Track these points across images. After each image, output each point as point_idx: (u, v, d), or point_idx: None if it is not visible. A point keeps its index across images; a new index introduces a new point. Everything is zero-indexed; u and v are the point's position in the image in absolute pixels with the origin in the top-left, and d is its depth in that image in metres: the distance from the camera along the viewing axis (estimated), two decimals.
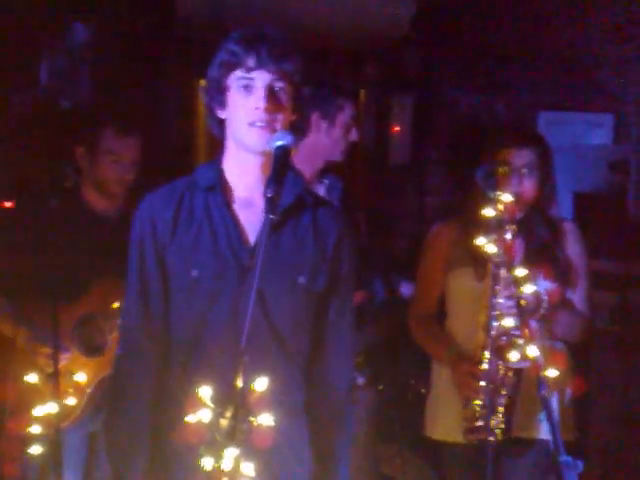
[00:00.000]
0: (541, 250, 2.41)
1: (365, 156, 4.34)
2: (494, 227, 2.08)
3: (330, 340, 1.90)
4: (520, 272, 2.03)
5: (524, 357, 1.98)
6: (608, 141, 4.24)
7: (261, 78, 1.78)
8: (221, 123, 1.87)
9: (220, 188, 1.85)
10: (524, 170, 2.40)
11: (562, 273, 2.40)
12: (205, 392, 1.48)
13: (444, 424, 2.46)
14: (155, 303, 1.85)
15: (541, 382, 1.83)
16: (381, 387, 3.20)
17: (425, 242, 2.59)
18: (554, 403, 2.34)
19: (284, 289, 1.82)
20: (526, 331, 1.96)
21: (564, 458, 1.67)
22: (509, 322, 2.13)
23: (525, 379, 2.26)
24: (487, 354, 2.21)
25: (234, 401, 1.45)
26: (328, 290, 1.88)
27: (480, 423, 2.26)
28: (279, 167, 1.68)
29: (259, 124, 1.77)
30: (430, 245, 2.56)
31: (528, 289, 2.03)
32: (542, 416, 1.93)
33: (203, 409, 1.46)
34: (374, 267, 2.85)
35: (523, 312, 2.02)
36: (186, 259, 1.82)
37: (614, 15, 4.23)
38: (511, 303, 2.15)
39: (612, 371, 3.53)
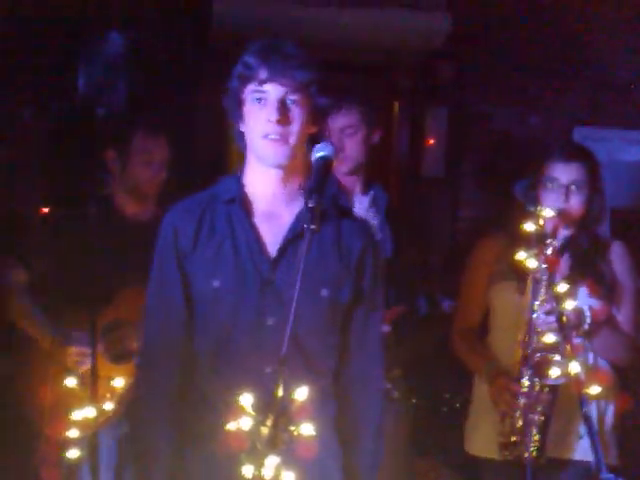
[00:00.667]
0: (587, 267, 2.39)
1: (399, 168, 4.33)
2: (535, 242, 2.07)
3: (356, 353, 1.89)
4: (562, 288, 2.01)
5: (565, 373, 1.96)
6: None
7: (273, 91, 1.78)
8: (242, 136, 1.88)
9: (241, 201, 1.86)
10: (572, 186, 2.38)
11: (607, 291, 2.38)
12: (246, 400, 1.48)
13: (483, 439, 2.44)
14: (175, 314, 1.85)
15: (583, 399, 1.81)
16: (415, 400, 3.19)
17: (470, 256, 2.57)
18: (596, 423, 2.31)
19: (307, 301, 1.78)
20: (568, 347, 1.94)
21: (606, 476, 1.65)
22: (550, 338, 2.11)
23: (561, 396, 2.24)
24: (524, 370, 2.19)
25: (275, 410, 1.45)
26: (353, 303, 1.87)
27: (514, 439, 2.24)
28: (320, 177, 1.68)
29: (272, 137, 1.78)
30: (474, 259, 2.55)
31: (569, 305, 2.01)
32: (583, 432, 1.91)
33: (244, 417, 1.46)
34: (415, 281, 2.84)
35: (564, 328, 2.00)
36: (208, 270, 1.83)
37: None
38: (550, 319, 2.13)
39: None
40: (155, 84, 3.76)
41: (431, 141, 4.23)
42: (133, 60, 3.68)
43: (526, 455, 2.21)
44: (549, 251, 2.11)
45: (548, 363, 2.17)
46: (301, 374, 1.75)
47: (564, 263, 2.31)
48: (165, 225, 1.90)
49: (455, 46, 4.13)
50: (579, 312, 2.24)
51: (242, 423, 1.46)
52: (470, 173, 4.26)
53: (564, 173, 2.38)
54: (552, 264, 2.06)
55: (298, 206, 1.86)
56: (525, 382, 2.23)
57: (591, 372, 2.12)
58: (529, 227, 2.07)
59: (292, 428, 1.46)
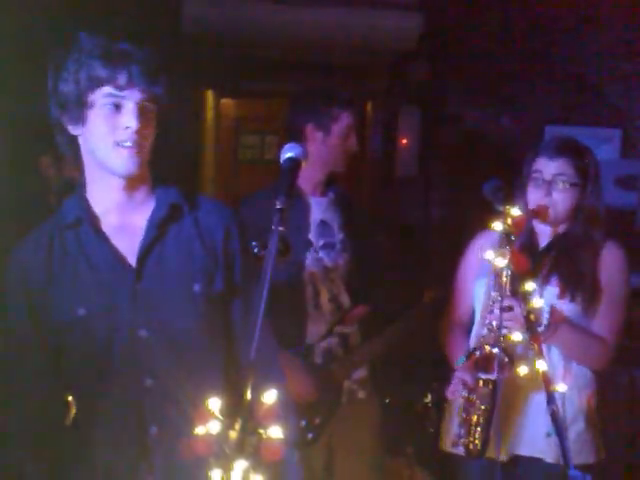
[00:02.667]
0: (567, 267, 2.33)
1: (372, 168, 4.35)
2: (503, 241, 2.08)
3: (241, 345, 1.81)
4: (529, 286, 2.01)
5: (533, 371, 1.97)
6: (615, 156, 4.24)
7: (132, 97, 1.71)
8: (73, 141, 1.78)
9: (88, 220, 1.78)
10: (557, 182, 2.32)
11: (584, 293, 2.31)
12: (214, 404, 1.47)
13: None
14: (30, 357, 1.77)
15: (550, 397, 1.82)
16: (388, 400, 3.20)
17: (463, 252, 2.56)
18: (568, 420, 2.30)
19: (180, 303, 1.76)
20: (535, 345, 1.94)
21: (573, 473, 1.67)
22: (517, 337, 2.12)
23: (508, 392, 2.23)
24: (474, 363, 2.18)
25: (242, 413, 1.45)
26: (228, 292, 1.81)
27: (461, 435, 2.23)
28: (288, 179, 1.63)
29: (128, 144, 1.71)
30: (467, 252, 2.55)
31: (537, 303, 2.02)
32: (551, 431, 1.91)
33: (212, 421, 1.45)
34: (380, 280, 2.84)
35: (532, 326, 2.00)
36: (69, 300, 1.74)
37: (622, 30, 4.24)
38: (505, 316, 2.13)
39: (621, 385, 3.51)
40: None
41: (404, 141, 4.25)
42: None
43: (471, 448, 2.21)
44: (514, 248, 2.08)
45: (489, 359, 2.16)
46: (183, 381, 1.72)
47: (547, 261, 2.29)
48: (11, 266, 1.78)
49: (428, 47, 4.15)
50: (537, 311, 2.19)
51: (210, 427, 1.45)
52: (443, 173, 4.28)
53: (547, 168, 2.33)
54: (517, 262, 2.06)
55: (148, 211, 1.80)
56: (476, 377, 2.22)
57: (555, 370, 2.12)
58: (497, 226, 2.07)
59: (260, 431, 1.45)
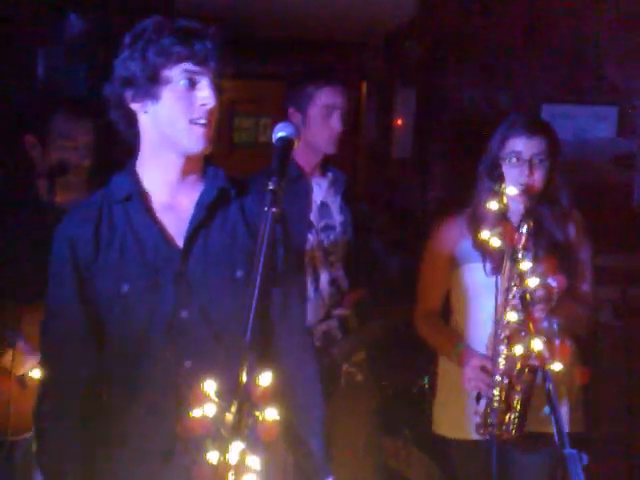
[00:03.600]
0: (547, 240, 2.39)
1: (368, 149, 4.33)
2: (498, 220, 2.08)
3: (279, 331, 1.84)
4: (525, 265, 2.02)
5: (528, 350, 1.97)
6: (612, 134, 4.22)
7: (209, 73, 1.72)
8: (132, 119, 1.77)
9: (138, 196, 1.78)
10: (534, 160, 2.37)
11: (568, 265, 2.38)
12: (210, 386, 1.47)
13: (451, 420, 2.45)
14: (77, 329, 1.77)
15: (546, 376, 1.82)
16: (384, 382, 3.20)
17: (429, 237, 2.55)
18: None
19: (222, 286, 1.76)
20: (530, 325, 1.95)
21: (568, 451, 1.67)
22: (512, 316, 2.12)
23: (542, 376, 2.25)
24: (502, 349, 2.19)
25: (239, 395, 1.45)
26: (268, 280, 1.80)
27: (492, 419, 2.25)
28: (281, 159, 1.61)
29: (202, 122, 1.71)
30: (434, 240, 2.53)
31: (533, 282, 2.02)
32: (546, 409, 1.92)
33: (208, 403, 1.45)
34: (376, 263, 2.84)
35: (527, 306, 2.01)
36: (114, 275, 1.75)
37: (618, 7, 4.21)
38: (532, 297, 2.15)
39: (615, 365, 3.52)
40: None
41: (399, 121, 4.22)
42: (94, 43, 3.61)
43: (505, 435, 2.23)
44: (523, 230, 2.11)
45: (553, 350, 2.17)
46: (221, 364, 1.69)
47: (524, 237, 2.31)
48: (59, 238, 1.79)
49: (423, 26, 4.12)
50: (548, 287, 2.25)
51: (206, 409, 1.45)
52: (439, 153, 4.27)
53: (527, 147, 2.37)
54: (515, 242, 2.06)
55: (198, 194, 1.81)
56: (501, 361, 2.23)
57: (553, 349, 2.13)
58: (493, 205, 2.07)
59: (257, 413, 1.45)
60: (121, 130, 1.80)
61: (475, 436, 2.29)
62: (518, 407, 2.24)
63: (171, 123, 1.72)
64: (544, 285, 2.18)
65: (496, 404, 2.24)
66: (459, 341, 2.40)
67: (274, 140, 1.67)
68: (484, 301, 2.27)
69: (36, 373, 2.18)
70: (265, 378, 1.47)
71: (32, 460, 2.39)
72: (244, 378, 1.45)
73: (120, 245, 1.76)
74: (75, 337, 1.78)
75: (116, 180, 1.84)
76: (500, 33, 4.23)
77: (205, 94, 1.71)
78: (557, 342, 2.17)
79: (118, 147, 1.87)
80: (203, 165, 1.84)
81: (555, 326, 2.34)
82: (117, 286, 1.75)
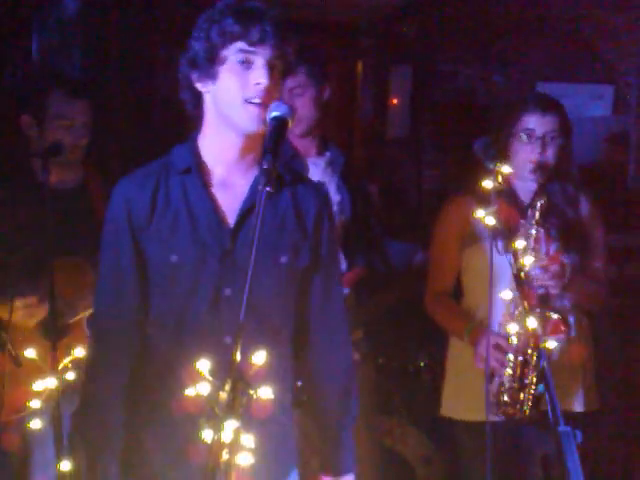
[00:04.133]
0: (561, 222, 2.40)
1: (363, 128, 4.32)
2: (494, 199, 2.07)
3: (319, 317, 1.89)
4: (519, 244, 2.02)
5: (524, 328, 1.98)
6: (608, 112, 4.21)
7: (264, 53, 1.73)
8: (198, 98, 1.81)
9: (197, 170, 1.81)
10: (547, 137, 2.37)
11: (580, 243, 2.40)
12: (203, 365, 1.47)
13: (463, 403, 2.43)
14: (130, 289, 1.81)
15: (541, 354, 1.83)
16: (381, 360, 3.21)
17: (439, 218, 2.54)
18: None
19: (267, 270, 1.79)
20: (525, 302, 1.95)
21: (563, 428, 1.68)
22: (507, 295, 2.12)
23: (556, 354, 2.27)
24: (515, 327, 2.18)
25: (233, 374, 1.45)
26: (311, 268, 1.86)
27: (506, 398, 2.25)
28: (275, 138, 1.63)
29: (256, 101, 1.72)
30: (444, 221, 2.52)
31: (527, 260, 2.02)
32: (540, 387, 1.93)
33: (202, 382, 1.46)
34: (374, 241, 2.83)
35: (522, 284, 2.01)
36: (164, 245, 1.78)
37: None
38: (545, 275, 2.15)
39: (611, 343, 3.53)
40: (111, 45, 3.68)
41: (395, 101, 4.21)
42: (88, 23, 3.59)
43: (519, 414, 2.23)
44: (536, 214, 2.15)
45: (546, 323, 2.17)
46: (261, 341, 1.72)
47: (537, 214, 2.30)
48: (116, 197, 1.83)
49: (418, 4, 4.10)
50: (564, 265, 2.27)
51: (200, 388, 1.45)
52: (434, 132, 4.25)
53: (540, 124, 2.37)
54: (508, 218, 2.07)
55: (254, 175, 1.83)
56: (514, 340, 2.23)
57: (548, 325, 2.13)
58: (487, 184, 2.06)
59: (251, 392, 1.45)
60: (188, 109, 1.84)
61: (488, 418, 2.26)
62: (532, 385, 2.23)
63: (228, 102, 1.75)
64: (560, 262, 2.19)
65: (509, 383, 2.24)
66: (471, 321, 2.39)
67: (268, 119, 1.68)
68: (496, 280, 2.25)
69: (30, 353, 2.17)
70: (259, 356, 1.48)
71: (29, 442, 2.42)
72: (238, 356, 1.46)
73: (173, 216, 1.79)
74: (129, 295, 1.82)
75: (178, 151, 1.86)
76: (494, 12, 4.21)
77: (258, 73, 1.72)
78: (553, 319, 2.17)
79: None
80: (262, 147, 1.84)
81: (567, 302, 2.35)
82: (166, 255, 1.78)
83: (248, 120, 1.73)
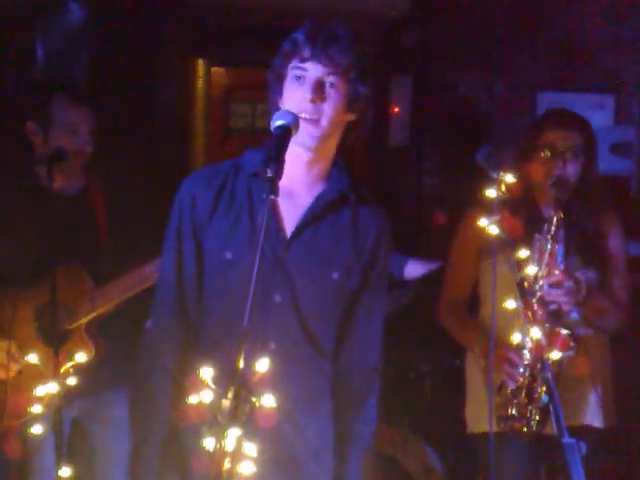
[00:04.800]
0: (581, 238, 2.39)
1: (364, 137, 4.32)
2: (497, 208, 2.06)
3: (359, 335, 1.91)
4: (523, 254, 2.01)
5: (530, 339, 1.97)
6: (609, 122, 4.22)
7: (313, 69, 1.77)
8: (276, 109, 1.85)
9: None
10: (568, 154, 2.37)
11: (599, 259, 2.38)
12: (206, 373, 1.47)
13: (482, 415, 2.37)
14: (190, 279, 1.86)
15: (544, 364, 1.82)
16: (381, 367, 3.19)
17: (457, 228, 2.55)
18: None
19: (316, 282, 1.82)
20: (529, 313, 1.95)
21: (567, 440, 1.67)
22: (510, 304, 2.11)
23: (566, 369, 2.24)
24: (518, 337, 2.17)
25: (235, 382, 1.45)
26: (360, 288, 1.88)
27: (513, 412, 2.24)
28: (278, 146, 1.63)
29: (304, 115, 1.76)
30: (462, 231, 2.52)
31: (531, 270, 2.02)
32: (545, 398, 1.92)
33: (205, 390, 1.45)
34: None
35: (525, 294, 2.01)
36: (222, 241, 1.82)
37: None
38: (557, 291, 2.15)
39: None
40: (115, 53, 3.70)
41: (396, 110, 4.22)
42: (93, 29, 3.60)
43: (525, 429, 2.22)
44: (552, 228, 2.15)
45: (554, 336, 2.16)
46: (302, 350, 1.81)
47: (554, 229, 2.29)
48: (182, 193, 1.88)
49: (419, 14, 4.11)
50: (579, 282, 2.26)
51: (203, 396, 1.45)
52: (435, 141, 4.26)
53: (562, 141, 2.38)
54: (511, 228, 2.06)
55: (319, 189, 1.87)
56: (526, 354, 2.22)
57: (552, 338, 2.12)
58: (491, 193, 2.06)
59: (253, 399, 1.45)
60: None
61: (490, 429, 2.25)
62: (540, 401, 2.22)
63: None
64: (575, 279, 2.19)
65: (517, 397, 2.24)
66: (483, 333, 2.38)
67: (272, 128, 1.69)
68: (511, 295, 2.23)
69: (32, 358, 2.17)
70: (262, 364, 1.47)
71: (31, 448, 2.41)
72: (241, 364, 1.46)
73: (235, 215, 1.84)
74: (188, 288, 1.86)
75: (250, 155, 1.90)
76: (495, 21, 4.23)
77: (306, 89, 1.78)
78: (562, 335, 2.16)
79: None
80: (330, 164, 1.89)
81: (575, 315, 2.34)
82: (222, 252, 1.82)
83: (300, 134, 1.75)
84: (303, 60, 1.78)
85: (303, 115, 1.76)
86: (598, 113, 4.18)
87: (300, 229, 1.84)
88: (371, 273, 1.89)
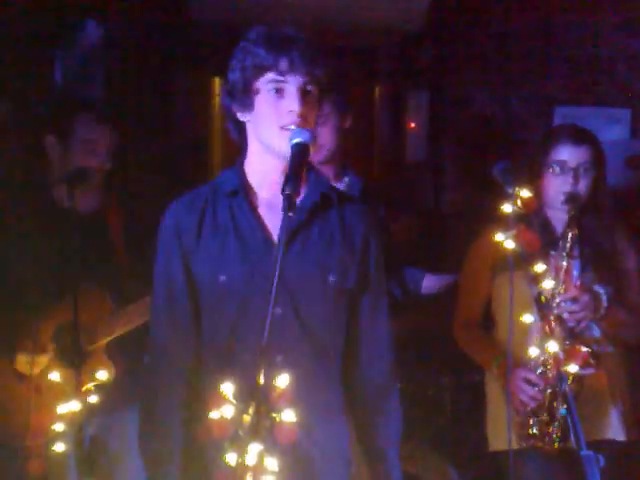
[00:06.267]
0: (596, 253, 2.39)
1: (381, 153, 4.33)
2: (513, 223, 2.07)
3: (366, 337, 1.91)
4: (539, 268, 2.02)
5: (544, 352, 1.97)
6: (626, 136, 4.20)
7: (294, 81, 1.77)
8: (240, 126, 1.87)
9: (243, 192, 1.85)
10: (580, 169, 2.37)
11: (615, 274, 2.39)
12: (227, 388, 1.49)
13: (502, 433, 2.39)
14: (183, 310, 1.85)
15: (562, 377, 1.82)
16: (400, 385, 3.19)
17: (471, 245, 2.54)
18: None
19: (315, 288, 1.83)
20: (547, 327, 1.95)
21: (586, 452, 1.67)
22: (528, 318, 2.12)
23: (587, 387, 2.24)
24: (536, 351, 2.17)
25: (256, 397, 1.46)
26: (359, 287, 1.89)
27: (535, 431, 2.23)
28: (297, 164, 1.68)
29: (292, 127, 1.77)
30: (476, 250, 2.52)
31: (547, 284, 2.02)
32: (563, 410, 1.92)
33: (226, 405, 1.47)
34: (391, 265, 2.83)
35: (542, 308, 2.01)
36: (214, 265, 1.82)
37: (628, 9, 4.20)
38: (573, 307, 2.14)
39: None
40: (132, 71, 3.74)
41: (412, 125, 4.22)
42: (110, 48, 3.64)
43: (547, 447, 2.22)
44: (567, 244, 2.17)
45: (574, 353, 2.16)
46: (309, 360, 1.81)
47: (568, 245, 2.29)
48: (167, 220, 1.89)
49: (435, 28, 4.12)
50: (597, 296, 2.25)
51: (224, 411, 1.46)
52: (452, 156, 4.26)
53: (573, 156, 2.38)
54: (528, 242, 2.06)
55: (299, 196, 1.84)
56: (548, 373, 2.21)
57: (572, 354, 2.12)
58: (507, 208, 2.07)
59: (274, 415, 1.46)
60: (233, 137, 1.91)
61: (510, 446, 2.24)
62: (561, 418, 2.21)
63: (265, 130, 1.81)
64: (594, 294, 2.20)
65: (537, 416, 2.24)
66: (500, 353, 2.37)
67: (290, 146, 1.71)
68: (527, 311, 2.21)
69: (54, 376, 2.19)
70: (283, 380, 1.49)
71: (52, 466, 2.43)
72: (261, 380, 1.47)
73: (222, 237, 1.84)
74: (182, 322, 1.86)
75: (225, 174, 1.92)
76: (511, 36, 4.23)
77: (291, 101, 1.77)
78: (582, 352, 2.15)
79: None
80: (306, 170, 1.88)
81: (595, 333, 2.33)
82: (215, 276, 1.82)
83: (286, 146, 1.76)
84: (282, 73, 1.76)
85: (290, 127, 1.76)
86: (614, 127, 4.17)
87: (289, 238, 1.82)
88: (367, 271, 1.89)
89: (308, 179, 1.89)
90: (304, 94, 1.78)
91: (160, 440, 1.85)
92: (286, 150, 1.77)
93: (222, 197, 1.87)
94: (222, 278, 1.81)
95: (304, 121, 1.77)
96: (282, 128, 1.77)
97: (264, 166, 1.86)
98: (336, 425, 1.87)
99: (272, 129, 1.79)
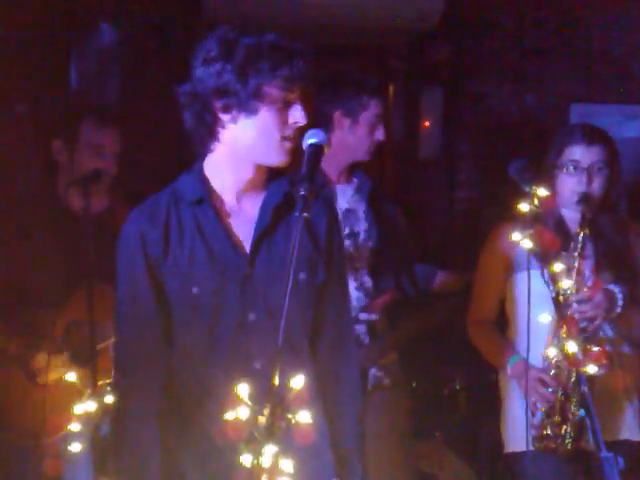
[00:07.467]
0: (610, 252, 2.37)
1: (395, 151, 4.32)
2: (530, 222, 2.06)
3: (331, 325, 1.89)
4: (558, 267, 2.00)
5: (564, 353, 1.96)
6: None
7: (298, 91, 1.77)
8: (212, 126, 1.79)
9: (209, 201, 1.81)
10: (593, 169, 2.36)
11: (630, 273, 2.36)
12: (243, 390, 1.48)
13: (519, 434, 2.34)
14: (150, 320, 1.81)
15: (581, 378, 1.81)
16: (414, 384, 3.19)
17: (485, 243, 2.53)
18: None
19: (286, 288, 1.78)
20: (565, 327, 1.93)
21: (605, 454, 1.65)
22: (545, 318, 2.10)
23: (600, 384, 2.21)
24: (554, 351, 2.16)
25: (272, 399, 1.45)
26: (326, 282, 1.88)
27: (548, 432, 2.22)
28: (312, 165, 1.66)
29: (291, 137, 1.77)
30: (490, 246, 2.50)
31: (566, 284, 2.00)
32: (581, 412, 1.91)
33: (241, 406, 1.46)
34: (404, 265, 2.82)
35: (561, 308, 1.99)
36: (184, 276, 1.79)
37: None
38: (582, 305, 2.13)
39: None
40: (146, 74, 3.74)
41: (427, 123, 4.21)
42: (125, 51, 3.65)
43: (561, 448, 2.21)
44: (579, 242, 2.15)
45: (587, 354, 2.14)
46: (287, 360, 1.74)
47: (581, 245, 2.28)
48: (128, 231, 1.82)
49: (449, 26, 4.11)
50: (611, 295, 2.24)
51: (240, 413, 1.46)
52: (467, 154, 4.24)
53: (585, 156, 2.36)
54: (548, 241, 2.05)
55: (261, 199, 1.85)
56: (562, 374, 2.20)
57: (586, 353, 2.11)
58: (524, 207, 2.05)
59: (289, 416, 1.46)
60: (192, 133, 1.83)
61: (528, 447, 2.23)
62: (574, 419, 2.20)
63: (263, 137, 1.77)
64: (609, 294, 2.18)
65: (550, 417, 2.22)
66: (514, 353, 2.36)
67: (305, 146, 1.70)
68: (542, 309, 2.21)
69: (71, 377, 2.20)
70: (298, 381, 1.48)
71: (67, 465, 2.44)
72: (277, 381, 1.46)
73: (190, 248, 1.79)
74: (150, 333, 1.81)
75: (185, 180, 1.87)
76: (527, 32, 4.20)
77: (298, 113, 1.77)
78: (594, 351, 2.14)
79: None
80: (267, 173, 1.88)
81: (609, 333, 2.31)
82: (187, 287, 1.78)
83: (282, 155, 1.76)
84: (295, 83, 1.75)
85: (291, 137, 1.77)
86: (632, 123, 4.14)
87: (257, 243, 1.81)
88: (331, 264, 1.87)
89: (269, 180, 1.87)
90: (304, 106, 1.78)
91: (134, 451, 1.81)
92: (281, 159, 1.77)
93: (185, 205, 1.82)
94: (194, 290, 1.77)
95: (298, 132, 1.77)
96: (283, 138, 1.77)
97: (234, 172, 1.81)
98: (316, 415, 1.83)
99: (273, 138, 1.77)
